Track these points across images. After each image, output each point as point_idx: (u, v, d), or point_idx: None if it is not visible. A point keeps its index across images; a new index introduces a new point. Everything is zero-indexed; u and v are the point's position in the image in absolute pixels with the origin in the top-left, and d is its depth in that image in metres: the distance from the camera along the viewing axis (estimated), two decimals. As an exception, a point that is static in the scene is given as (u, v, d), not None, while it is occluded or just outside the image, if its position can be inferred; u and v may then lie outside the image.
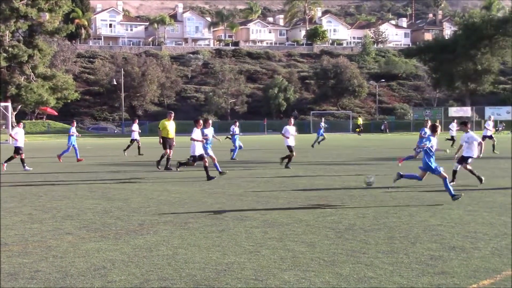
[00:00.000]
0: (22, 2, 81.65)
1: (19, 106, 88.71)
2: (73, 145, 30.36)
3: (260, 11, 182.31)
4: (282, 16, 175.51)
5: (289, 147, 24.92)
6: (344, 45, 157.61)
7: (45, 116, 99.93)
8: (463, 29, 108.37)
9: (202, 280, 7.69)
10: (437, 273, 7.92)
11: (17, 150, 25.15)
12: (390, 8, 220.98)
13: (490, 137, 35.50)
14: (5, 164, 25.27)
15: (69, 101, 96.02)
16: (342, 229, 11.06)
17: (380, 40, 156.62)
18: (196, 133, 20.54)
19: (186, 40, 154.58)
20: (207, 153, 21.65)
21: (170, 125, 25.06)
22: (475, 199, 15.01)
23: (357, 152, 37.22)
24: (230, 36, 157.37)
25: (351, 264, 8.39)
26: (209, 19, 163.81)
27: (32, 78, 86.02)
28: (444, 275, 7.79)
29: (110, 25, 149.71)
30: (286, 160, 25.02)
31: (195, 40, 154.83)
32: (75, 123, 32.67)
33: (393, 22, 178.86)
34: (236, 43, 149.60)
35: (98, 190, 17.72)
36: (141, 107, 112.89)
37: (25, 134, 26.77)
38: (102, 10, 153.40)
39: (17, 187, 18.65)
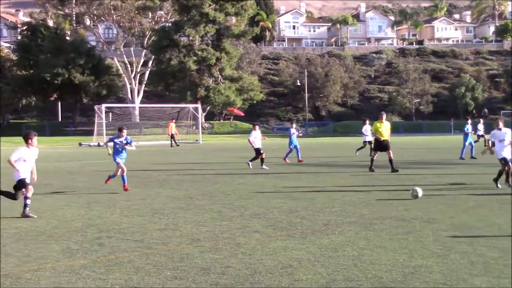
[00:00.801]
0: (211, 7, 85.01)
1: (208, 107, 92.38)
2: (295, 145, 30.29)
3: (445, 8, 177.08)
4: (469, 12, 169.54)
5: None
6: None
7: (232, 117, 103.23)
8: None
9: (388, 282, 7.58)
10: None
11: (257, 151, 26.72)
12: None
13: None
14: (250, 163, 26.59)
15: (254, 102, 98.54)
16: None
17: None
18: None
19: (369, 39, 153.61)
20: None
21: (383, 127, 23.90)
22: None
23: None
24: (414, 35, 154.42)
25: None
26: (392, 18, 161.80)
27: (220, 80, 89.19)
28: None
29: (294, 27, 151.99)
30: None
31: (378, 40, 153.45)
32: (294, 124, 32.90)
33: None
34: (420, 42, 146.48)
35: (284, 189, 18.02)
36: (324, 108, 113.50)
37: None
38: (286, 12, 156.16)
39: (206, 186, 19.42)
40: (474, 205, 14.17)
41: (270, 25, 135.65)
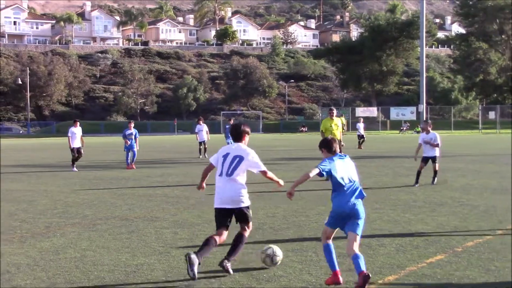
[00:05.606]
0: None
1: None
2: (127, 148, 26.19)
3: (171, 11, 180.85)
4: (192, 16, 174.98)
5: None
6: (254, 45, 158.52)
7: None
8: (369, 31, 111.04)
9: (111, 282, 7.58)
10: (345, 270, 8.02)
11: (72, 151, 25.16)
12: (299, 10, 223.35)
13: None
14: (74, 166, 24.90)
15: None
16: (252, 229, 11.09)
17: (289, 41, 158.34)
18: None
19: (94, 39, 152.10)
20: None
21: (333, 125, 21.11)
22: (380, 197, 15.38)
23: (267, 153, 37.51)
24: (140, 36, 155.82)
25: (261, 264, 8.41)
26: (118, 18, 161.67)
27: None
28: (352, 272, 7.90)
29: (15, 23, 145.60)
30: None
31: (103, 39, 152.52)
32: (132, 123, 27.85)
33: (301, 23, 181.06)
34: (145, 43, 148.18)
35: (2, 192, 17.20)
36: (47, 107, 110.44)
37: None
38: (6, 7, 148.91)
39: None
40: (195, 203, 14.68)
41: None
